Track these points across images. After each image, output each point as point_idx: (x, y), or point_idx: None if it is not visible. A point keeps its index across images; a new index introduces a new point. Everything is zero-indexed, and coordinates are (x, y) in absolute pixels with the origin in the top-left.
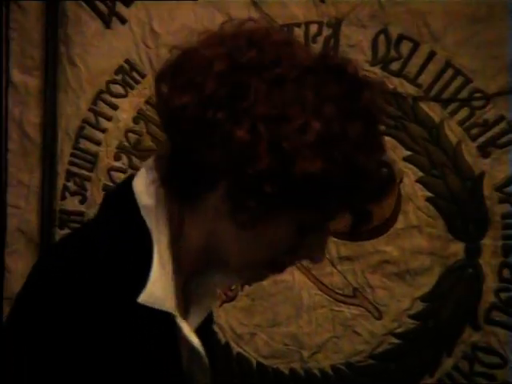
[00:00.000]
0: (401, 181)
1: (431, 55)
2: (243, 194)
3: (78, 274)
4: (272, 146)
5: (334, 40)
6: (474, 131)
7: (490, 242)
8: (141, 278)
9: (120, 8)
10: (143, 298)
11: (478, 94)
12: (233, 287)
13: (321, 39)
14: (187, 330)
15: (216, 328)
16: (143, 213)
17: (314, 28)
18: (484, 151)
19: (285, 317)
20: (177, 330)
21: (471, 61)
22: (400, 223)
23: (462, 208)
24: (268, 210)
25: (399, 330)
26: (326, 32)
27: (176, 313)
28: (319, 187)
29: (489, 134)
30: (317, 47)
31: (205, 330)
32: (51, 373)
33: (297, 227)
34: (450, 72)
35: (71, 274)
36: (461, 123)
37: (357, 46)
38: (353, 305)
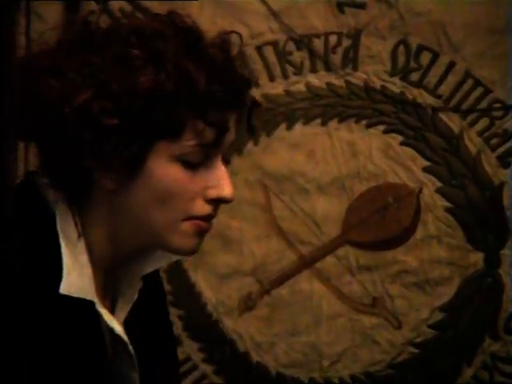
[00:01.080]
0: (420, 191)
1: (451, 66)
2: (98, 143)
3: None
4: (88, 84)
5: (353, 51)
6: (494, 141)
7: (509, 252)
8: (54, 270)
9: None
10: (63, 288)
11: (497, 105)
12: (252, 296)
13: (340, 50)
14: (108, 316)
15: (235, 337)
16: (50, 205)
17: (333, 38)
18: (503, 161)
19: (304, 326)
20: (100, 318)
21: (491, 71)
22: (419, 233)
23: (481, 218)
24: (141, 154)
25: (418, 340)
26: (346, 43)
27: (96, 300)
28: (156, 102)
29: (508, 144)
30: (336, 58)
31: (151, 300)
32: None
33: (179, 163)
34: (469, 82)
35: None
36: (480, 133)
37: (376, 57)
38: (372, 314)
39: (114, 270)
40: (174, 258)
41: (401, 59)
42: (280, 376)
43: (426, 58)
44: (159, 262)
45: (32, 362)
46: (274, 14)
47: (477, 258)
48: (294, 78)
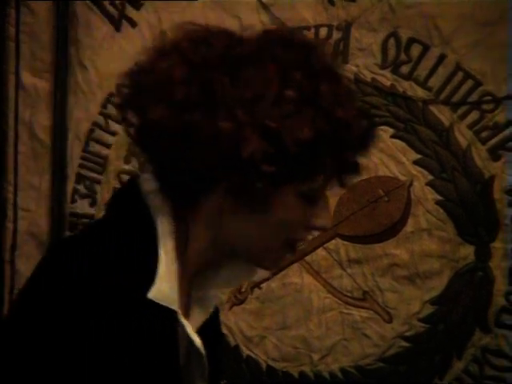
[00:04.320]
0: (410, 184)
1: (441, 58)
2: (245, 184)
3: (86, 271)
4: (255, 126)
5: (343, 43)
6: (484, 134)
7: (499, 245)
8: (148, 275)
9: (130, 11)
10: (152, 294)
11: (487, 98)
12: (243, 290)
13: (331, 42)
14: (190, 328)
15: (225, 331)
16: (151, 212)
17: (323, 31)
18: (494, 154)
19: (294, 320)
20: (177, 328)
21: (481, 64)
22: (410, 226)
23: (471, 211)
24: (273, 190)
25: (409, 333)
26: (336, 35)
27: (179, 311)
28: (312, 151)
29: (499, 137)
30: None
31: (211, 331)
32: (53, 368)
33: (302, 198)
34: (459, 75)
35: (79, 271)
36: (471, 126)
37: (367, 50)
38: (362, 308)
39: (195, 280)
40: (253, 276)
41: (391, 52)
42: (270, 369)
43: (416, 50)
44: (236, 281)
45: (107, 359)
46: (265, 7)
47: (467, 251)
48: None
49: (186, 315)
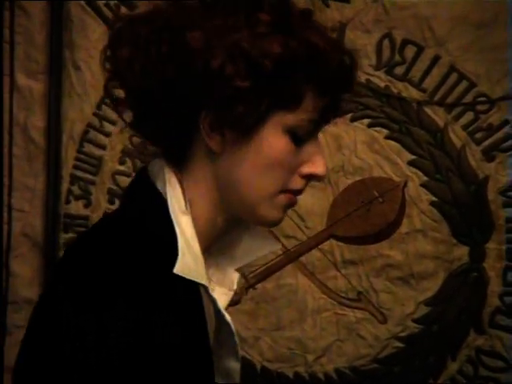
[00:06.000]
0: (405, 185)
1: (435, 60)
2: (226, 109)
3: (110, 263)
4: (225, 46)
5: None
6: (479, 135)
7: (494, 246)
8: (171, 250)
9: (125, 12)
10: (178, 268)
11: (482, 99)
12: (237, 290)
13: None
14: (220, 304)
15: None
16: (164, 195)
17: None
18: (488, 155)
19: (289, 320)
20: (204, 304)
21: (475, 65)
22: (404, 227)
23: (466, 212)
24: (257, 119)
25: (403, 334)
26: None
27: (208, 285)
28: (287, 70)
29: (493, 138)
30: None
31: None
32: (92, 356)
33: (288, 135)
34: (454, 76)
35: (103, 264)
36: (465, 127)
37: (361, 51)
38: (357, 308)
39: (212, 258)
40: (266, 250)
41: (386, 53)
42: (265, 370)
43: (410, 51)
44: (251, 255)
45: (139, 339)
46: None
47: (462, 251)
48: None
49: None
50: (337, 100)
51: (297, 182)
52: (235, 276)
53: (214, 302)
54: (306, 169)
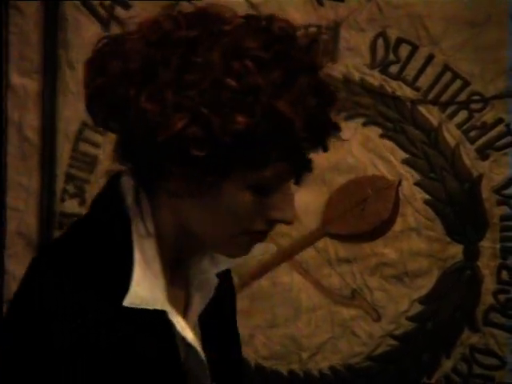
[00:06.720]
0: (399, 183)
1: (430, 58)
2: (177, 164)
3: (65, 281)
4: (187, 110)
5: (332, 43)
6: (473, 134)
7: (488, 244)
8: (125, 280)
9: (119, 11)
10: (128, 300)
11: (476, 97)
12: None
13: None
14: (181, 325)
15: None
16: (130, 213)
17: (312, 31)
18: (482, 154)
19: (283, 318)
20: (172, 326)
21: (469, 64)
22: (398, 226)
23: (460, 210)
24: (217, 178)
25: (397, 332)
26: (325, 35)
27: (168, 308)
28: (247, 142)
29: (487, 137)
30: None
31: (223, 298)
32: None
33: (251, 190)
34: (448, 75)
35: (58, 280)
36: (459, 126)
37: (355, 50)
38: (351, 306)
39: (184, 263)
40: (251, 254)
41: (380, 52)
42: (259, 368)
43: (404, 50)
44: (230, 262)
45: (104, 374)
46: (253, 7)
47: (456, 250)
48: None
49: (187, 305)
50: (308, 163)
51: (262, 225)
52: (215, 281)
53: (173, 325)
54: (273, 214)
